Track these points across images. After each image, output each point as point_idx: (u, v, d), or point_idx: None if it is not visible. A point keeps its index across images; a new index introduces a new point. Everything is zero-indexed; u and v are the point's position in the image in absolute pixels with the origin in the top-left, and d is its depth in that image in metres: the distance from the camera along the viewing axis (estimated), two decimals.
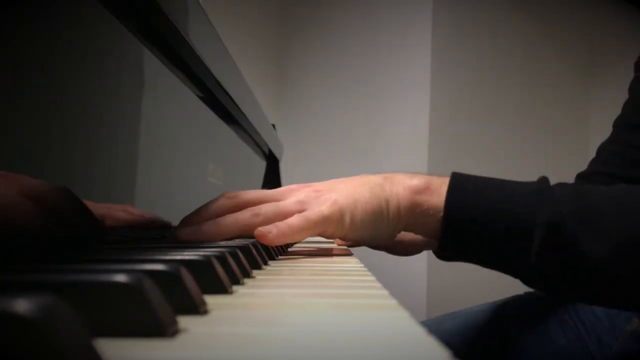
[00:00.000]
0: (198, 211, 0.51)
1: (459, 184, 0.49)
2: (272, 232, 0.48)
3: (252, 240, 0.47)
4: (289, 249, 0.63)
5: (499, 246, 0.47)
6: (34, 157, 0.33)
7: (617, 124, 0.82)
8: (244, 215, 0.50)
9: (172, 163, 0.60)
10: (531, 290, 0.76)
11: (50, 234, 0.34)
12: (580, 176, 0.81)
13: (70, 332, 0.12)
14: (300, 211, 0.50)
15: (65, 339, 0.12)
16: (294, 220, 0.49)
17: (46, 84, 0.34)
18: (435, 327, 0.75)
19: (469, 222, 0.47)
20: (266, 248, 0.47)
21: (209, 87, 0.68)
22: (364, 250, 0.82)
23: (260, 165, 1.20)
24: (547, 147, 2.42)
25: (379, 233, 0.52)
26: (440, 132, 2.13)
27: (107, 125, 0.43)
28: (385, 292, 0.27)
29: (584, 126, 2.58)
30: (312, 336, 0.18)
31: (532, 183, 0.49)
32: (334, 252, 0.59)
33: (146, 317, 0.17)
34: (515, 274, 0.50)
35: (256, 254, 0.40)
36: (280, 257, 0.52)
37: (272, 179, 1.30)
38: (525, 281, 0.51)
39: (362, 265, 0.44)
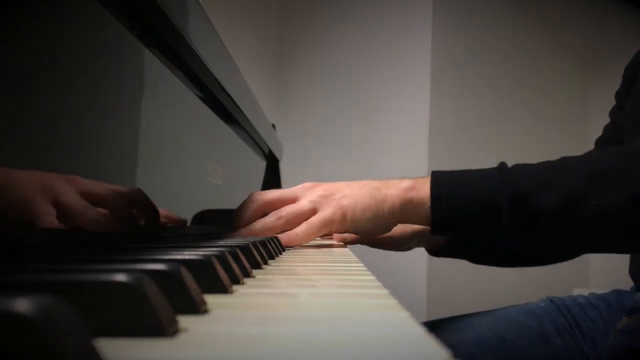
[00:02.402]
0: (234, 218, 0.66)
1: (439, 179, 0.62)
2: (283, 239, 0.61)
3: (251, 239, 0.47)
4: (290, 249, 0.63)
5: (477, 222, 0.60)
6: (33, 157, 0.33)
7: (599, 143, 0.90)
8: (269, 219, 0.64)
9: (172, 163, 0.60)
10: (531, 302, 0.80)
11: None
12: None
13: (70, 332, 0.12)
14: (313, 210, 0.64)
15: (65, 339, 0.12)
16: (300, 228, 0.63)
17: (46, 84, 0.34)
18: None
19: (451, 207, 0.61)
20: (266, 247, 0.47)
21: (209, 87, 0.68)
22: (365, 250, 0.83)
23: (260, 165, 1.20)
24: (547, 145, 2.42)
25: (377, 226, 0.65)
26: (440, 132, 2.13)
27: (107, 125, 0.43)
28: (385, 291, 0.27)
29: (583, 125, 2.58)
30: (312, 336, 0.18)
31: (494, 168, 0.61)
32: (334, 247, 0.67)
33: (146, 317, 0.17)
34: (492, 241, 0.64)
35: (256, 253, 0.40)
36: (280, 256, 0.52)
37: (272, 179, 1.29)
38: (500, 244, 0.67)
39: (362, 265, 0.44)
